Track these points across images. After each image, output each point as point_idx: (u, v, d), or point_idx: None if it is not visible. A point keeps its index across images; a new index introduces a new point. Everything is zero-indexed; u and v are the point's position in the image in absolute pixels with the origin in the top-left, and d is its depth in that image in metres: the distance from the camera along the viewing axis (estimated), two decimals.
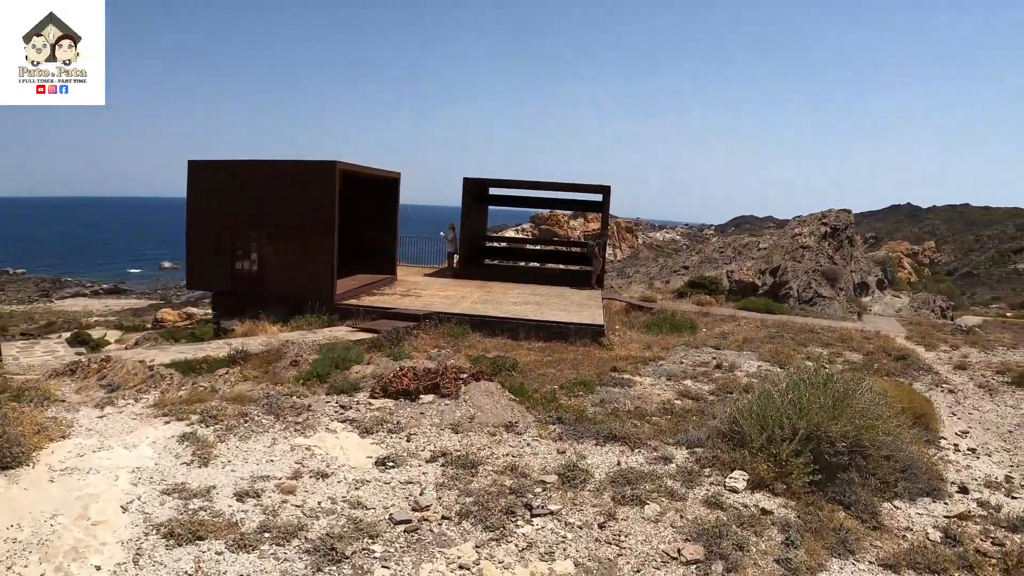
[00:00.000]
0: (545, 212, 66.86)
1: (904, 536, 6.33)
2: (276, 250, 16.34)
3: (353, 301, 16.50)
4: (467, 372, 7.72)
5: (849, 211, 36.61)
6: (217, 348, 12.98)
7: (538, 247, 30.75)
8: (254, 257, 16.55)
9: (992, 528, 6.51)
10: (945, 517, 6.74)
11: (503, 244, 28.56)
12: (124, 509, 5.63)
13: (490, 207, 25.63)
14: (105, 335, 38.89)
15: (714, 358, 14.63)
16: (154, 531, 5.37)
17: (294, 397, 8.13)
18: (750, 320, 20.34)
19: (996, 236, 77.03)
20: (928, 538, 6.29)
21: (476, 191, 22.56)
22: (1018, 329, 21.94)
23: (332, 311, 15.83)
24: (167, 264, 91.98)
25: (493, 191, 24.04)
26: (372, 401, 7.53)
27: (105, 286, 69.87)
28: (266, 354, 12.62)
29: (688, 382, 12.49)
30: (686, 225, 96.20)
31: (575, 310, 17.24)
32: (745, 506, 6.53)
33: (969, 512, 6.76)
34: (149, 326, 54.89)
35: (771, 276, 26.48)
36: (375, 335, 14.40)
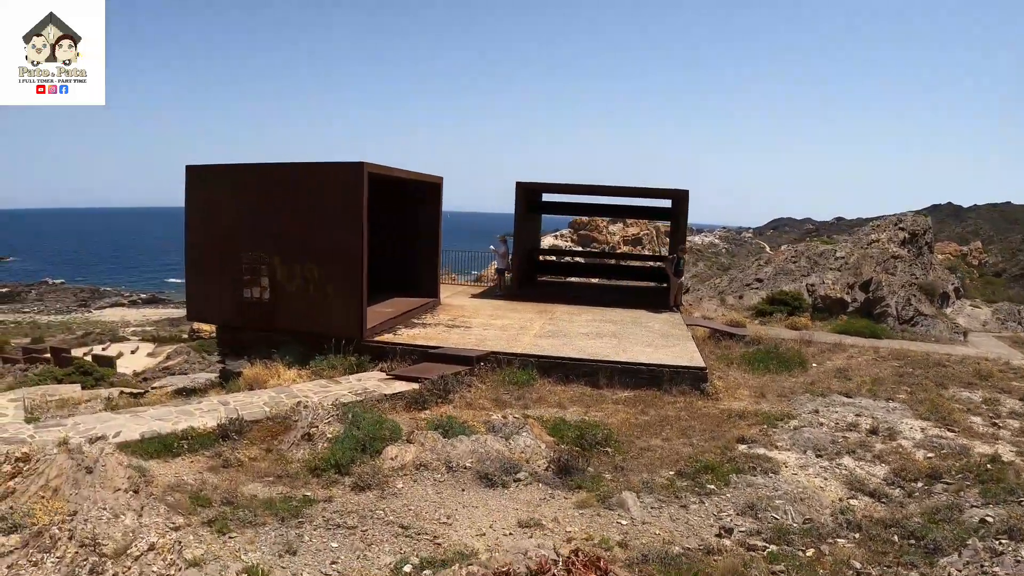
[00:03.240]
0: (584, 217, 62.82)
1: None
2: (291, 274, 12.52)
3: (388, 337, 12.60)
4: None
5: (927, 215, 32.10)
6: (207, 411, 9.21)
7: (597, 261, 26.78)
8: (265, 283, 12.73)
9: None
10: None
11: (557, 258, 24.60)
12: None
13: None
14: (120, 354, 35.60)
15: (857, 414, 10.95)
16: None
17: None
18: (860, 349, 16.43)
19: None
20: None
21: (530, 198, 18.56)
22: None
23: (361, 350, 12.00)
24: None
25: (547, 197, 20.00)
26: None
27: (143, 296, 67.22)
28: (270, 423, 8.83)
29: (848, 461, 8.87)
30: (723, 228, 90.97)
31: (661, 343, 13.27)
32: None
33: None
34: (186, 336, 51.91)
35: (862, 291, 22.18)
36: (417, 386, 10.54)
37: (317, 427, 8.41)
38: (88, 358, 31.49)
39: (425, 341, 12.28)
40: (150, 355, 40.33)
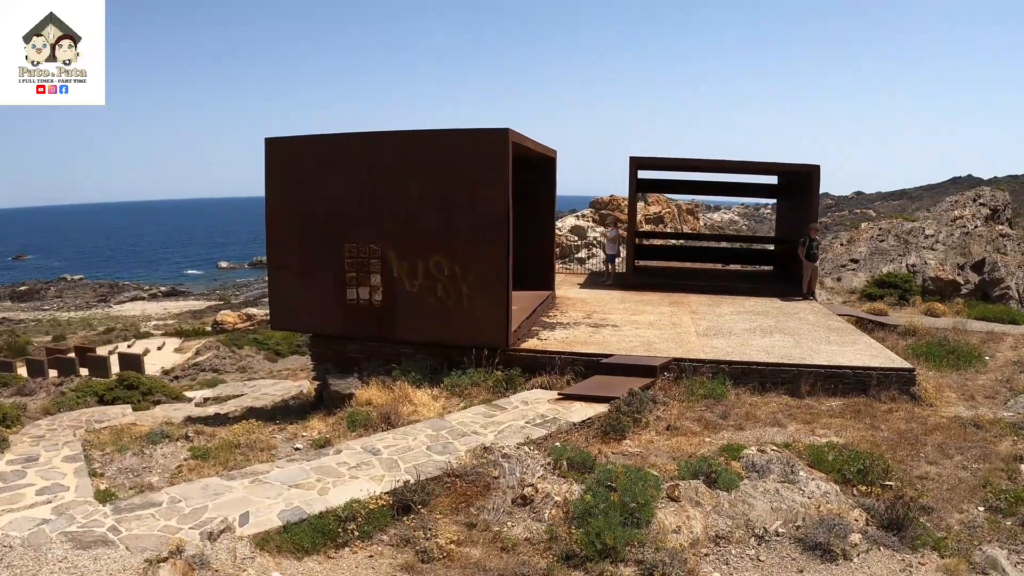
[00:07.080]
0: (605, 196, 60.23)
1: None
2: (412, 270, 10.04)
3: (534, 343, 10.16)
4: None
5: (1004, 189, 29.86)
6: (354, 466, 6.70)
7: (691, 243, 24.78)
8: (376, 282, 10.25)
9: None
10: None
11: (664, 242, 22.70)
12: None
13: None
14: (146, 351, 32.87)
15: None
16: None
17: None
18: (1016, 338, 14.64)
19: None
20: None
21: (637, 176, 16.10)
22: None
23: (507, 362, 9.60)
24: (224, 264, 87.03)
25: (642, 174, 17.55)
26: None
27: (163, 289, 64.64)
28: (459, 484, 6.27)
29: None
30: (741, 204, 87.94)
31: (839, 340, 11.01)
32: None
33: None
34: (209, 328, 49.46)
35: (975, 272, 19.93)
36: (604, 408, 8.22)
37: (534, 486, 6.05)
38: (114, 357, 29.08)
39: (584, 348, 9.82)
40: (177, 351, 37.98)
